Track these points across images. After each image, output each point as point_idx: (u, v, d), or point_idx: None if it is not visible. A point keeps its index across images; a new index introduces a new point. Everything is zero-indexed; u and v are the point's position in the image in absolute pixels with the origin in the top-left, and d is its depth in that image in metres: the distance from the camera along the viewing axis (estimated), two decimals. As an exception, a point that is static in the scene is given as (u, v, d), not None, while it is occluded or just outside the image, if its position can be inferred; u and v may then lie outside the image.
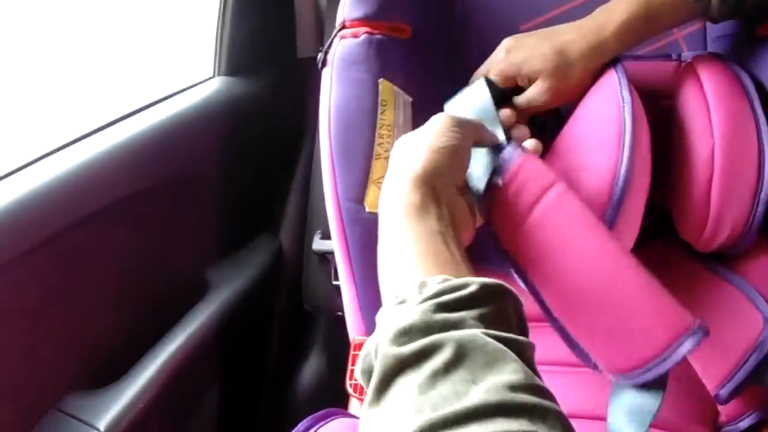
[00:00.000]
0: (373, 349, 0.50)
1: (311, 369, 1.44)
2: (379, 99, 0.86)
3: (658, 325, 0.69)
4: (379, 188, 0.85)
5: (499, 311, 0.52)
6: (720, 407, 0.86)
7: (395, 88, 0.87)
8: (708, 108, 0.84)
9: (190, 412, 1.25)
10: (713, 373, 0.83)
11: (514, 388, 0.44)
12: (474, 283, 0.51)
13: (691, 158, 0.84)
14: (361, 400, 0.87)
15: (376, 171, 0.85)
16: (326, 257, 1.32)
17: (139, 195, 1.03)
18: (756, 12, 0.86)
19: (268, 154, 1.36)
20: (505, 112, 0.79)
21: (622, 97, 0.81)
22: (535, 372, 0.47)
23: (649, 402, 0.70)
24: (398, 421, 0.44)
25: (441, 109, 0.96)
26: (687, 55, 0.98)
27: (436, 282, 0.52)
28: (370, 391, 0.48)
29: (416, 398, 0.44)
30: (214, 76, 1.32)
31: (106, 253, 1.00)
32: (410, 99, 0.90)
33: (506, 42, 0.89)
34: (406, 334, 0.48)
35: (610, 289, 0.70)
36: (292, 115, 1.40)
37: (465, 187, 0.70)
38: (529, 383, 0.45)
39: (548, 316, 0.73)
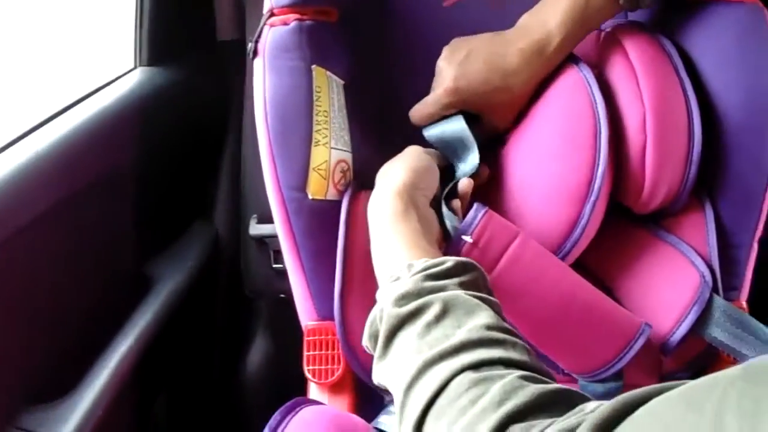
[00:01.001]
0: (378, 314, 0.64)
1: (258, 354, 1.43)
2: (314, 86, 0.85)
3: (612, 333, 0.83)
4: (320, 175, 0.85)
5: (472, 280, 0.66)
6: (664, 358, 0.90)
7: (328, 73, 0.87)
8: (636, 76, 0.86)
9: (146, 411, 1.23)
10: (658, 327, 0.86)
11: (490, 328, 0.58)
12: (450, 260, 0.66)
13: (623, 126, 0.86)
14: (320, 384, 0.89)
15: (316, 157, 0.85)
16: (264, 241, 1.32)
17: (69, 199, 0.99)
18: None
19: (195, 140, 1.34)
20: (463, 182, 0.86)
21: (594, 98, 0.84)
22: (504, 320, 0.61)
23: (612, 388, 0.84)
24: (404, 362, 0.59)
25: (373, 92, 0.97)
26: (606, 24, 0.99)
27: (421, 262, 0.67)
28: (378, 347, 0.63)
29: (416, 343, 0.59)
30: (135, 67, 1.29)
31: (41, 264, 0.97)
32: (342, 82, 0.89)
33: (448, 68, 0.90)
34: (404, 298, 0.62)
35: (570, 310, 0.83)
36: (216, 99, 1.38)
37: (435, 203, 0.83)
38: (500, 325, 0.59)
39: None
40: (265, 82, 0.86)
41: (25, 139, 0.99)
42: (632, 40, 0.89)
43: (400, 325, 0.61)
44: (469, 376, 0.54)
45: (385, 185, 0.79)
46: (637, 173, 0.85)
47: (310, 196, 0.85)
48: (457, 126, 0.91)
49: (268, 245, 1.31)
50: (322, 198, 0.86)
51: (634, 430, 0.41)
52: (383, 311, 0.63)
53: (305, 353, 0.88)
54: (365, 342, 0.67)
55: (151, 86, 1.25)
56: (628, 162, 0.85)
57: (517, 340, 0.58)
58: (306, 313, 0.90)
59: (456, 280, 0.64)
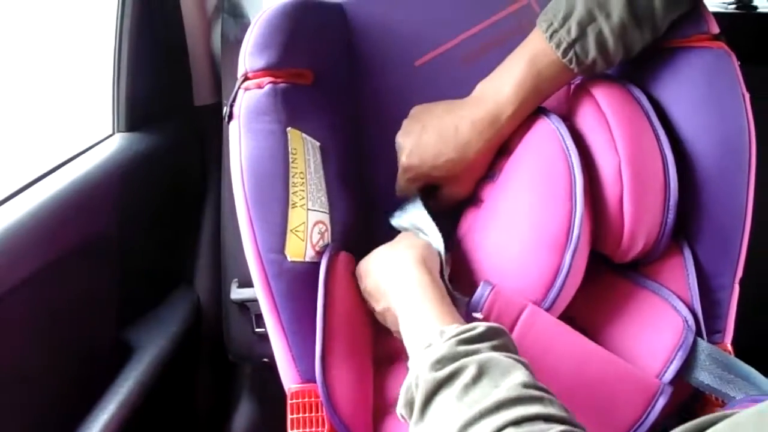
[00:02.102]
0: (413, 381, 0.65)
1: (242, 420, 1.41)
2: (289, 148, 0.85)
3: (632, 395, 0.83)
4: (298, 236, 0.85)
5: (503, 343, 0.68)
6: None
7: (303, 135, 0.87)
8: (608, 125, 0.87)
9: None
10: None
11: (526, 386, 0.60)
12: (481, 325, 0.68)
13: (599, 176, 0.86)
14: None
15: (293, 219, 0.85)
16: (245, 305, 1.31)
17: (48, 267, 0.98)
18: None
19: (175, 205, 1.34)
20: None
21: (567, 147, 0.85)
22: (536, 380, 0.62)
23: None
24: (443, 424, 0.60)
25: (349, 152, 0.97)
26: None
27: (453, 328, 0.68)
28: (415, 412, 0.64)
29: (455, 405, 0.60)
30: (113, 134, 1.29)
31: (19, 333, 0.96)
32: (318, 144, 0.90)
33: (405, 143, 0.93)
34: (439, 362, 0.64)
35: (586, 376, 0.83)
36: (194, 164, 1.38)
37: None
38: (535, 384, 0.61)
39: None
40: (240, 145, 0.86)
41: (3, 206, 0.98)
42: (602, 90, 0.90)
43: (437, 388, 0.63)
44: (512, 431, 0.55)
45: (404, 259, 0.83)
46: (616, 223, 0.85)
47: (288, 258, 0.85)
48: (417, 211, 0.94)
49: (249, 309, 1.30)
50: (301, 260, 0.85)
51: None
52: (419, 377, 0.64)
53: (289, 416, 0.87)
54: (400, 410, 0.68)
55: (130, 152, 1.25)
56: (605, 212, 0.86)
57: (553, 397, 0.60)
58: (288, 376, 0.88)
59: (488, 344, 0.66)
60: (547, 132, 0.87)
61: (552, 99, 0.92)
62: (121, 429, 1.05)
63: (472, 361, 0.63)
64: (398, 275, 0.82)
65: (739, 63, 0.89)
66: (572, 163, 0.84)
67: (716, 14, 0.92)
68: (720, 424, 0.41)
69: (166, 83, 1.36)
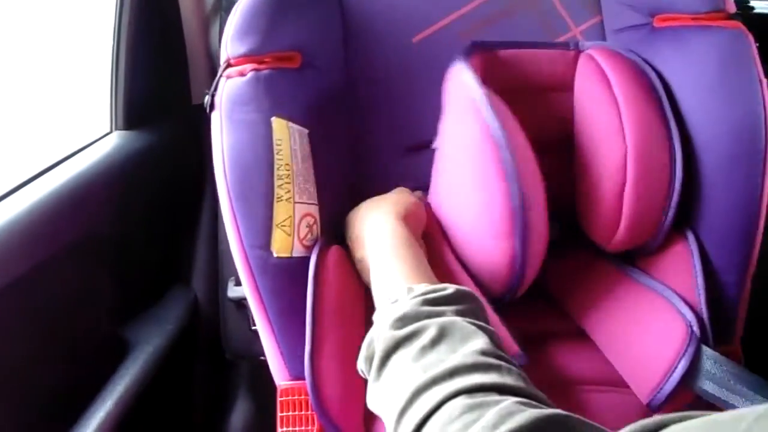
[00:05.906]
0: (375, 336, 0.63)
1: (239, 417, 1.39)
2: (274, 139, 0.79)
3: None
4: (285, 231, 0.79)
5: (470, 308, 0.64)
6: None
7: (289, 123, 0.81)
8: (618, 110, 0.80)
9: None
10: (644, 382, 0.79)
11: (485, 353, 0.56)
12: (451, 287, 0.65)
13: (601, 163, 0.80)
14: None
15: (279, 214, 0.79)
16: (242, 303, 1.27)
17: (45, 263, 0.94)
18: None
19: (172, 203, 1.30)
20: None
21: (489, 123, 0.77)
22: (500, 348, 0.58)
23: None
24: (397, 387, 0.56)
25: (341, 137, 0.92)
26: (585, 44, 0.94)
27: (422, 287, 0.65)
28: (372, 369, 0.61)
29: (410, 366, 0.57)
30: (111, 132, 1.25)
31: (17, 329, 0.92)
32: (306, 131, 0.83)
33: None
34: (401, 320, 0.61)
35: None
36: (192, 162, 1.34)
37: None
38: (495, 352, 0.57)
39: None
40: (223, 138, 0.80)
41: (1, 203, 0.94)
42: (616, 70, 0.83)
43: (395, 347, 0.60)
44: (464, 401, 0.51)
45: (385, 211, 0.80)
46: (613, 213, 0.79)
47: (275, 254, 0.79)
48: None
49: (246, 307, 1.26)
50: (288, 255, 0.80)
51: None
52: (379, 333, 0.62)
53: (278, 414, 0.82)
54: (360, 365, 0.65)
55: (127, 150, 1.21)
56: (604, 200, 0.80)
57: (512, 366, 0.56)
58: (278, 373, 0.84)
59: (454, 307, 0.63)
60: (468, 102, 0.80)
61: (554, 66, 0.87)
62: (117, 426, 1.01)
63: (433, 323, 0.60)
64: (376, 225, 0.79)
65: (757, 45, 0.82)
66: (499, 141, 0.76)
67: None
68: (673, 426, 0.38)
69: (164, 82, 1.32)
